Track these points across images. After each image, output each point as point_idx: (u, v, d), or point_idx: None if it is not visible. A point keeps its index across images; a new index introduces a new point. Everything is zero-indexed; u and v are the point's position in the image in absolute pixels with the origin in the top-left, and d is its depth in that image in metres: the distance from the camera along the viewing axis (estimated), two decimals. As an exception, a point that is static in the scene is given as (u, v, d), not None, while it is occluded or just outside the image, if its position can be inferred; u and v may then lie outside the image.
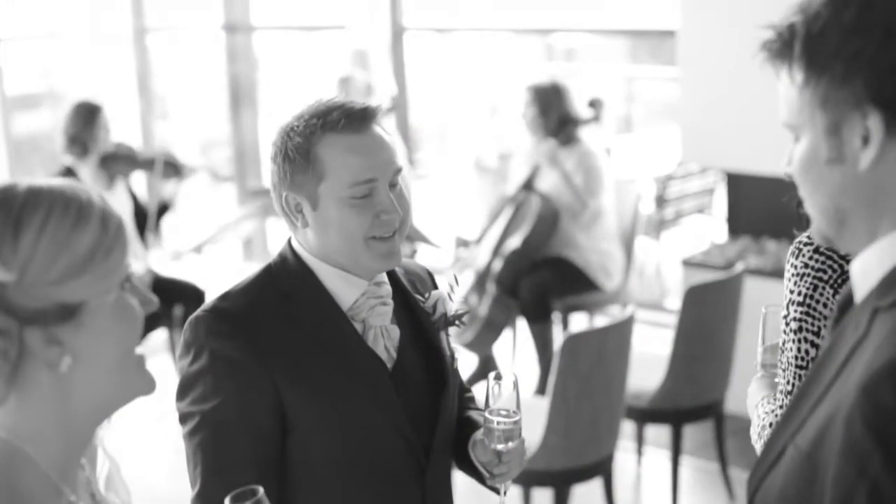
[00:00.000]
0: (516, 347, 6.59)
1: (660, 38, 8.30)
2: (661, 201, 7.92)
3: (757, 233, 6.25)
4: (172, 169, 6.65)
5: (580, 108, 6.19)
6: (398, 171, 2.28)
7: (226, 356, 2.19)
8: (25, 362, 1.49)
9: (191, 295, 6.47)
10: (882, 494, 1.37)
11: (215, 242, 7.18)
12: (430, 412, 2.35)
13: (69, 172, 6.16)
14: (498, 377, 2.30)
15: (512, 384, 2.29)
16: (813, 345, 2.24)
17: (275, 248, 7.85)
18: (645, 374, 4.97)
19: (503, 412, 2.28)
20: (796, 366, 2.26)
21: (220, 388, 2.18)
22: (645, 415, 4.96)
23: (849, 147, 1.48)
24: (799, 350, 2.25)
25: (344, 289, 2.29)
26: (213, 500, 2.17)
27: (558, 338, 6.12)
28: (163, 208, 6.63)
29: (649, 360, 5.12)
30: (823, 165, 1.51)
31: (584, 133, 6.18)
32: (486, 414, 2.29)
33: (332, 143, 2.23)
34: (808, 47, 1.51)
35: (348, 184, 2.22)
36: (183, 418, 2.24)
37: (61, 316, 1.48)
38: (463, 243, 6.51)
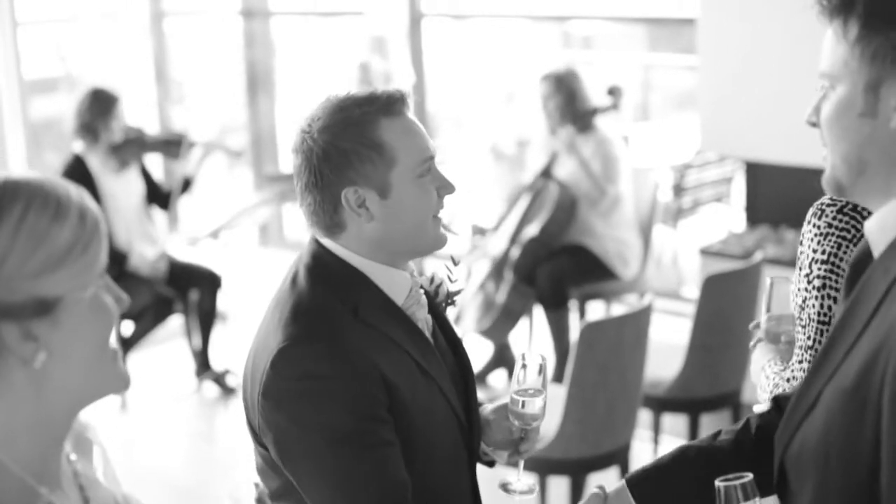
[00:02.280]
0: (532, 335, 6.57)
1: (678, 27, 8.26)
2: (678, 190, 7.88)
3: (775, 222, 6.22)
4: (189, 148, 6.65)
5: (598, 95, 6.17)
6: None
7: (340, 375, 2.12)
8: (0, 359, 1.46)
9: (207, 280, 6.47)
10: None
11: (232, 228, 7.18)
12: (464, 395, 2.37)
13: (78, 160, 6.16)
14: (526, 356, 2.34)
15: (539, 365, 2.33)
16: (836, 301, 2.29)
17: (290, 234, 7.82)
18: (662, 363, 4.95)
19: (531, 391, 2.32)
20: (818, 321, 2.31)
21: (347, 409, 2.11)
22: (662, 404, 4.95)
23: (884, 104, 1.62)
24: (822, 306, 2.31)
25: (394, 286, 2.26)
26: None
27: (575, 326, 6.11)
28: (184, 185, 6.64)
29: (666, 348, 5.11)
30: (856, 117, 1.64)
31: (603, 121, 6.16)
32: (513, 394, 2.33)
33: (390, 126, 2.20)
34: (870, 7, 1.63)
35: (419, 162, 2.21)
36: (309, 445, 2.13)
37: (38, 310, 1.46)
38: (479, 231, 6.49)
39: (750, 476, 1.85)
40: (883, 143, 1.63)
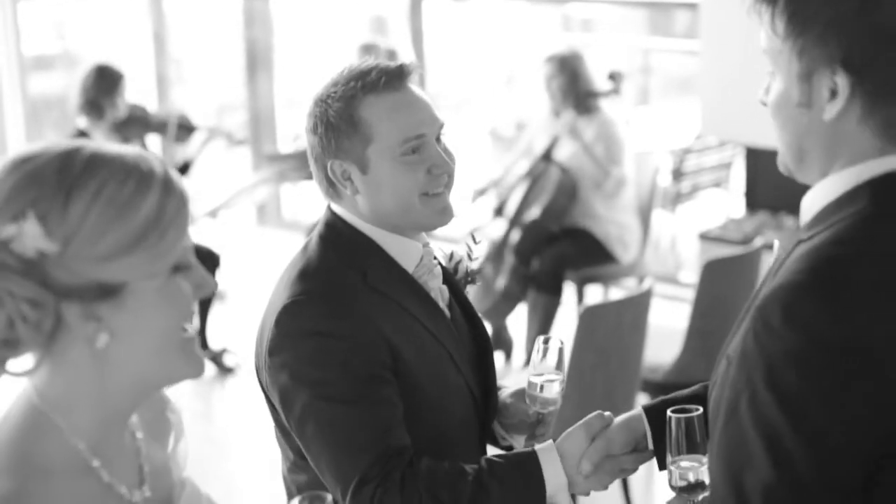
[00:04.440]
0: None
1: (678, 10, 8.25)
2: (677, 174, 7.88)
3: (775, 208, 6.21)
4: (186, 131, 6.64)
5: (600, 79, 6.15)
6: (442, 125, 2.26)
7: (342, 334, 2.13)
8: (62, 334, 1.43)
9: (205, 259, 6.46)
10: (759, 402, 1.54)
11: (230, 207, 7.18)
12: (480, 369, 2.37)
13: (82, 136, 6.15)
14: (545, 341, 2.33)
15: (557, 349, 2.32)
16: None
17: (288, 214, 7.76)
18: (660, 348, 4.95)
19: (548, 375, 2.31)
20: None
21: (348, 367, 2.12)
22: (660, 388, 4.93)
23: (817, 95, 1.65)
24: None
25: (404, 254, 2.27)
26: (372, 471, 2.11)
27: (572, 310, 6.10)
28: (183, 168, 6.63)
29: (665, 333, 5.11)
30: (794, 107, 1.68)
31: (604, 104, 6.14)
32: (531, 378, 2.31)
33: (374, 103, 2.19)
34: (791, 5, 1.66)
35: (399, 142, 2.19)
36: (309, 403, 2.13)
37: (100, 294, 1.41)
38: (480, 193, 6.44)
39: (700, 410, 1.94)
40: (819, 134, 1.67)
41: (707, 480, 1.92)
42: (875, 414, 1.52)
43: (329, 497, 1.62)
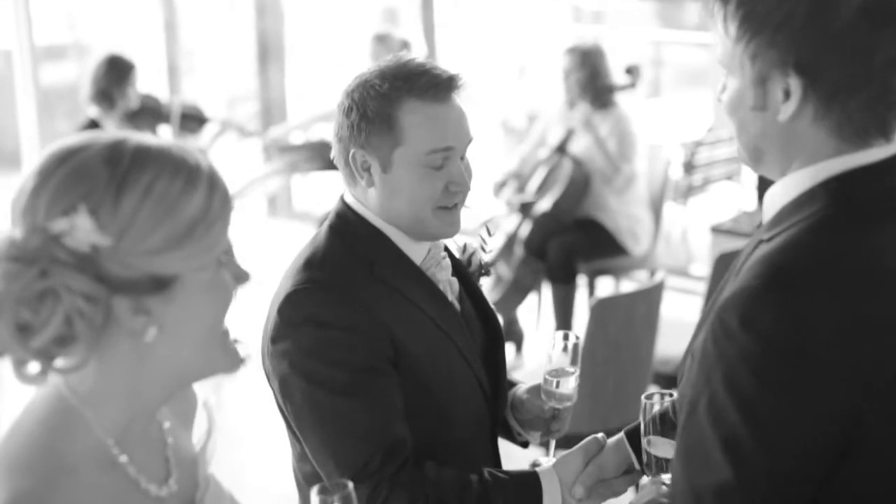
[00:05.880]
0: (541, 310, 6.57)
1: (689, 2, 8.22)
2: (689, 167, 7.86)
3: (787, 201, 6.18)
4: (197, 122, 6.63)
5: (616, 73, 6.13)
6: (471, 142, 2.26)
7: (344, 325, 2.13)
8: (109, 328, 1.42)
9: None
10: (717, 404, 1.57)
11: (240, 198, 7.17)
12: (491, 363, 2.37)
13: (94, 124, 6.15)
14: (564, 336, 2.34)
15: (573, 345, 2.33)
16: None
17: (299, 205, 7.73)
18: (672, 341, 4.95)
19: (564, 371, 2.32)
20: None
21: (348, 358, 2.13)
22: (672, 381, 4.94)
23: (772, 98, 1.65)
24: None
25: (411, 244, 2.27)
26: (376, 462, 2.12)
27: (584, 302, 6.10)
28: None
29: (676, 326, 5.10)
30: (749, 110, 1.69)
31: (620, 98, 6.13)
32: (546, 374, 2.32)
33: (415, 109, 2.18)
34: (742, 7, 1.66)
35: (426, 151, 2.18)
36: (308, 393, 2.14)
37: (152, 287, 1.42)
38: (501, 185, 6.42)
39: (675, 395, 1.99)
40: (774, 136, 1.67)
41: (668, 457, 1.98)
42: (828, 417, 1.55)
43: (350, 485, 1.63)
